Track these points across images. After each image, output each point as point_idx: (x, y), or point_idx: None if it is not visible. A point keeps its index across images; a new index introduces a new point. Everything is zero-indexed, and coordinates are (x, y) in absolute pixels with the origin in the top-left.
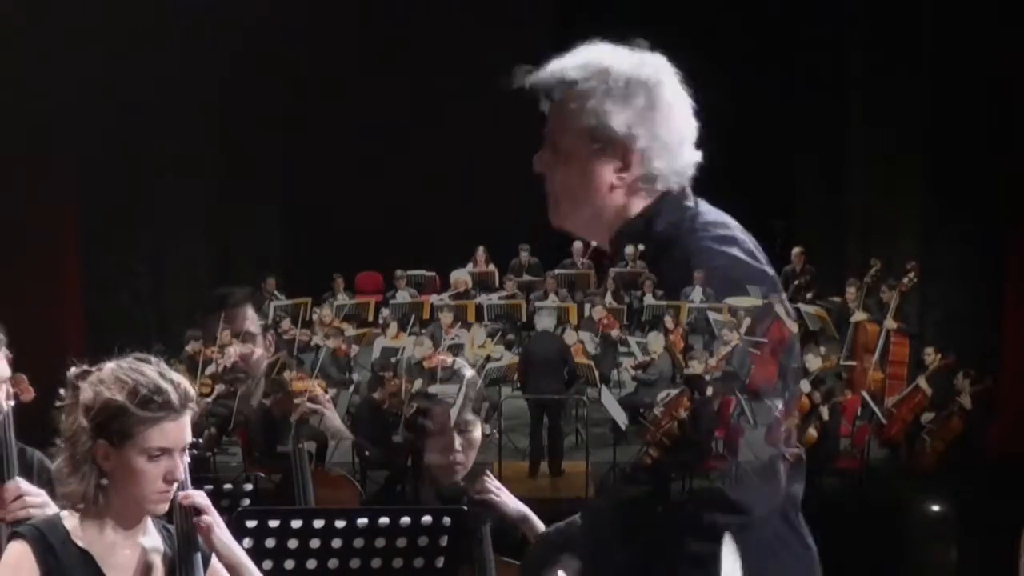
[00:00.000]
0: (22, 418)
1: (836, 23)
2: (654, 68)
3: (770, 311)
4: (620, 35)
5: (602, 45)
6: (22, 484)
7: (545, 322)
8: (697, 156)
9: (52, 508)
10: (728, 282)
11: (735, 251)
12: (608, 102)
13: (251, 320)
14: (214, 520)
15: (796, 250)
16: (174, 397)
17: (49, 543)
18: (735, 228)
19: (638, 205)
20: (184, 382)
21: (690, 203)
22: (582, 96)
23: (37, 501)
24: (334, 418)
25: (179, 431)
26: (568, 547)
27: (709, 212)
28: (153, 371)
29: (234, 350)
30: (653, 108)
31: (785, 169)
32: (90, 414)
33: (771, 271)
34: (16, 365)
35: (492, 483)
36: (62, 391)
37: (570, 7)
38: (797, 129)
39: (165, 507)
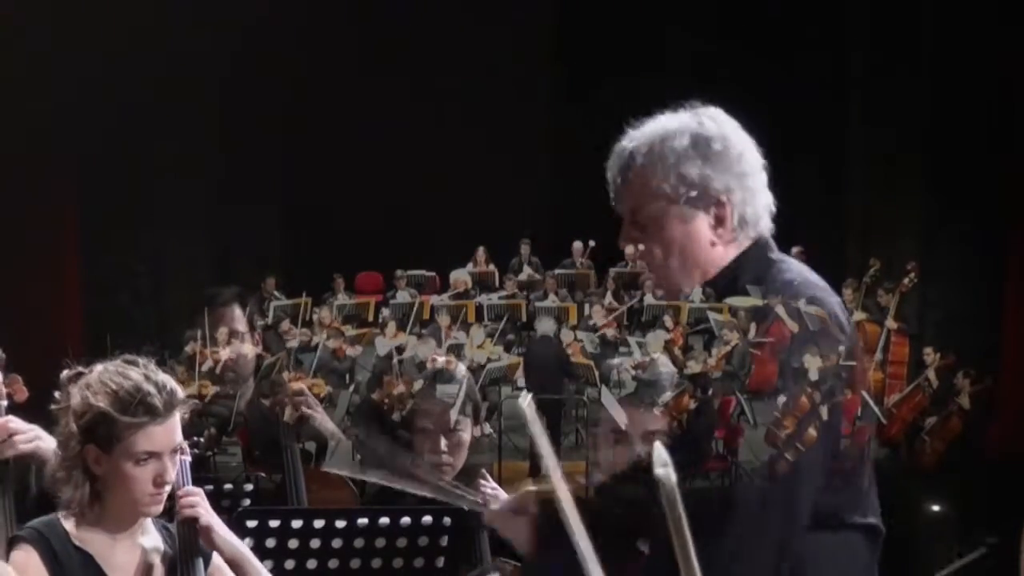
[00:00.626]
0: (20, 418)
1: (836, 23)
2: (715, 121)
3: (770, 312)
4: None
5: (657, 117)
6: (12, 422)
7: (545, 326)
8: (770, 199)
9: (44, 440)
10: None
11: (812, 311)
12: (685, 163)
13: (239, 319)
14: (212, 518)
15: (795, 250)
16: (158, 401)
17: (51, 545)
18: (816, 288)
19: (730, 255)
20: (171, 383)
21: (774, 255)
22: (656, 166)
23: (29, 436)
24: (325, 419)
25: (166, 434)
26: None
27: (791, 270)
28: (139, 374)
29: (223, 351)
30: (729, 158)
31: (785, 169)
32: (78, 420)
33: (848, 331)
34: (16, 365)
35: (488, 485)
36: (57, 393)
37: (570, 7)
38: (797, 129)
39: (159, 509)
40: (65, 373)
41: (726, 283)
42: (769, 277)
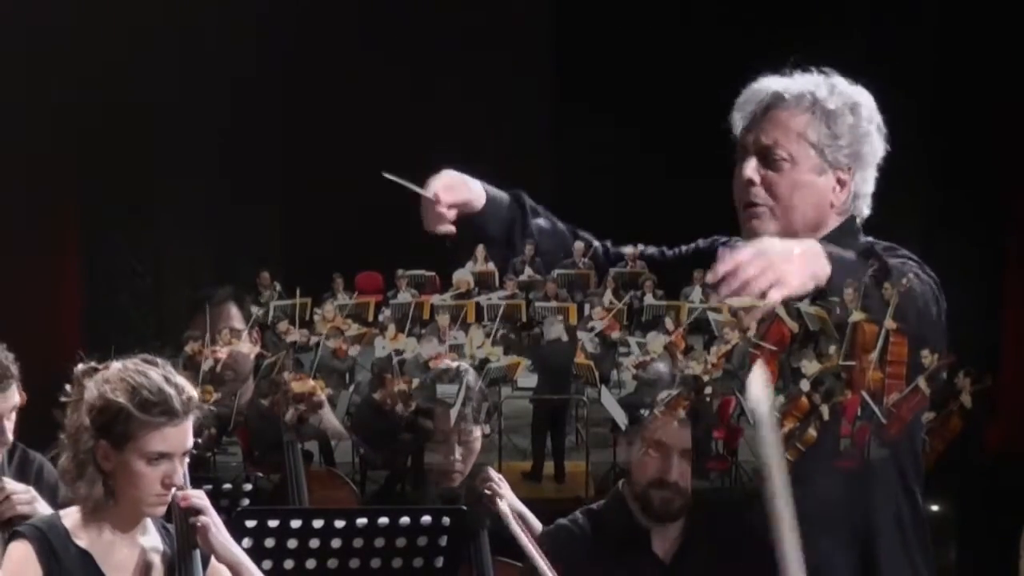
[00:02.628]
0: (19, 417)
1: (836, 22)
2: (866, 96)
3: (770, 313)
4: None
5: (812, 73)
6: (8, 483)
7: (554, 331)
8: (872, 190)
9: (41, 505)
10: (917, 300)
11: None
12: (839, 121)
13: (235, 318)
14: (211, 520)
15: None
16: (176, 403)
17: (50, 543)
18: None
19: (835, 223)
20: (188, 387)
21: (863, 236)
22: (811, 111)
23: (25, 498)
24: (332, 419)
25: (180, 436)
26: (571, 545)
27: (880, 243)
28: (158, 374)
29: (220, 351)
30: (872, 137)
31: None
32: (92, 414)
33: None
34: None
35: (493, 475)
36: (68, 387)
37: (569, 7)
38: None
39: (163, 510)
40: (80, 367)
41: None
42: (865, 243)
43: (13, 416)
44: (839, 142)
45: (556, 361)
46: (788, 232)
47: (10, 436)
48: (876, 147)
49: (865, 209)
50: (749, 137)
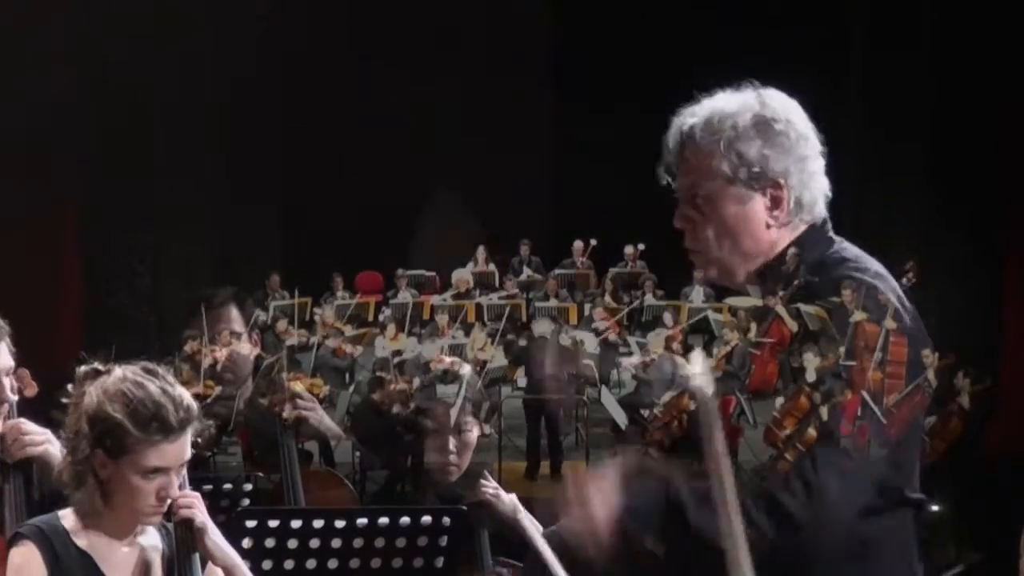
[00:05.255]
0: (23, 414)
1: (835, 22)
2: (777, 101)
3: (768, 312)
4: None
5: (718, 94)
6: (24, 424)
7: (542, 327)
8: (827, 184)
9: (54, 445)
10: (876, 304)
11: (881, 285)
12: (744, 143)
13: (236, 320)
14: (206, 524)
15: (791, 251)
16: (173, 419)
17: (51, 543)
18: (876, 264)
19: (785, 239)
20: (187, 398)
21: (833, 237)
22: (716, 143)
23: (39, 439)
24: (324, 418)
25: (176, 452)
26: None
27: (850, 249)
28: (156, 387)
29: (220, 350)
30: (790, 141)
31: None
32: (90, 423)
33: (914, 323)
34: (16, 364)
35: (489, 485)
36: (69, 387)
37: (571, 7)
38: None
39: (158, 519)
40: (82, 369)
41: (786, 265)
42: (830, 256)
43: (8, 379)
44: (755, 162)
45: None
46: (729, 269)
47: (9, 394)
48: (803, 147)
49: (818, 207)
50: (676, 184)
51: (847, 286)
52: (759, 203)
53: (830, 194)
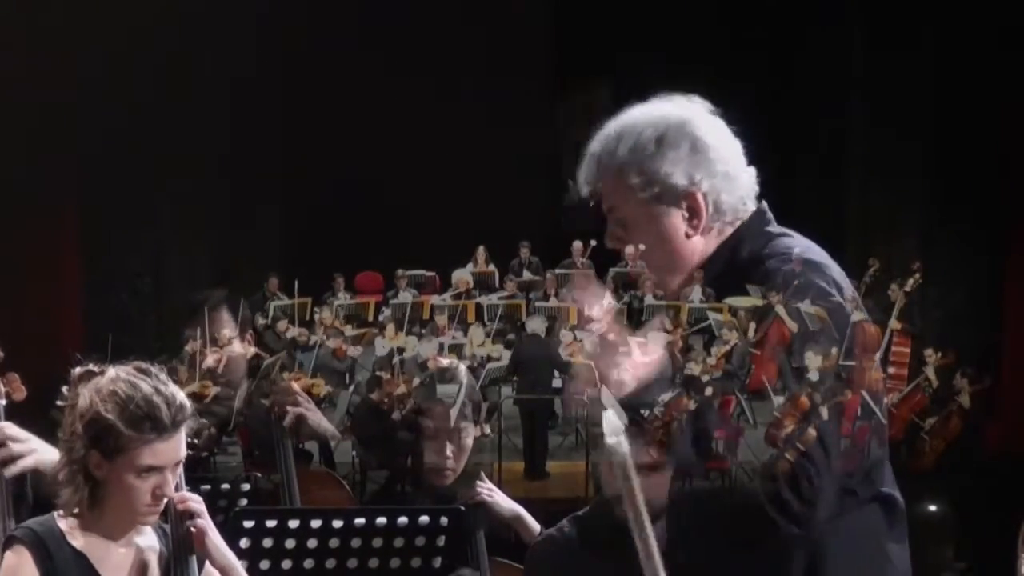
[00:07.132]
0: (16, 417)
1: (836, 23)
2: (680, 110)
3: (769, 311)
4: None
5: (619, 115)
6: (8, 428)
7: (535, 325)
8: (752, 173)
9: (42, 453)
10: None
11: (815, 278)
12: (648, 160)
13: (228, 322)
14: (207, 525)
15: (795, 251)
16: (166, 417)
17: (45, 546)
18: (817, 254)
19: (712, 244)
20: (180, 397)
21: (772, 229)
22: (623, 166)
23: (22, 448)
24: (320, 419)
25: (170, 450)
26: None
27: (792, 236)
28: (149, 386)
29: (211, 355)
30: (694, 147)
31: (785, 169)
32: (84, 424)
33: (848, 305)
34: (15, 364)
35: (484, 486)
36: (65, 389)
37: (569, 7)
38: (797, 129)
39: (154, 519)
40: (77, 370)
41: (721, 267)
42: (769, 248)
43: None
44: (663, 178)
45: (532, 354)
46: (662, 280)
47: None
48: (710, 154)
49: (744, 207)
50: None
51: (772, 276)
52: (676, 216)
53: (757, 188)
